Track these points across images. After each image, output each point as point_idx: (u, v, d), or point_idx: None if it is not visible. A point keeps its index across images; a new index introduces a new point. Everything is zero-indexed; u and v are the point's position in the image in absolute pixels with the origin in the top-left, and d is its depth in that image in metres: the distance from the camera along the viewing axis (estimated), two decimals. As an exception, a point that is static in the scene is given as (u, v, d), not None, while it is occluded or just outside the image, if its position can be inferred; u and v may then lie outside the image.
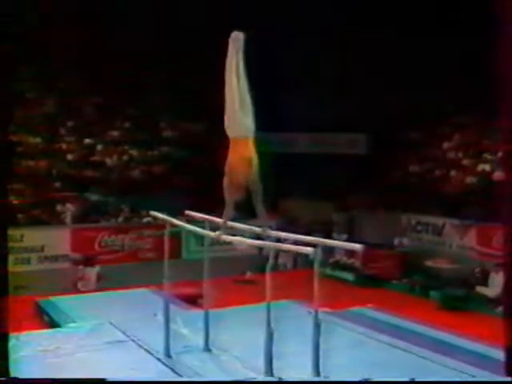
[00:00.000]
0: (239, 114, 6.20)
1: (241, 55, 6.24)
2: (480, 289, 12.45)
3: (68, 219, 15.01)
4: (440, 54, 16.35)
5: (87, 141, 17.05)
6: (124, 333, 8.82)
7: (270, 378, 6.07)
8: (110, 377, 4.49)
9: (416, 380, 4.55)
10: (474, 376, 7.18)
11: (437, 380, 5.14)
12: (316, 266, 5.80)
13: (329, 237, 13.30)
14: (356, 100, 17.00)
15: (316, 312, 5.90)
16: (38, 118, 16.84)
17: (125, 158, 17.20)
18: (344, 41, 17.00)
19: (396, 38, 16.48)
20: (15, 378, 4.07)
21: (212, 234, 6.90)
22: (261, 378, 6.11)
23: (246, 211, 6.63)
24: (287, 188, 15.80)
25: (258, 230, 6.66)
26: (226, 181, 6.22)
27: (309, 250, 5.81)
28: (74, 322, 9.65)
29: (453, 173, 15.87)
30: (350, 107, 16.92)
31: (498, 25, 4.13)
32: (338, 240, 12.28)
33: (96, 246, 14.58)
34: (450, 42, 16.00)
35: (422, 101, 16.80)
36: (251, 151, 6.24)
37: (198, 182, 16.38)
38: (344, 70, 17.06)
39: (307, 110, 17.50)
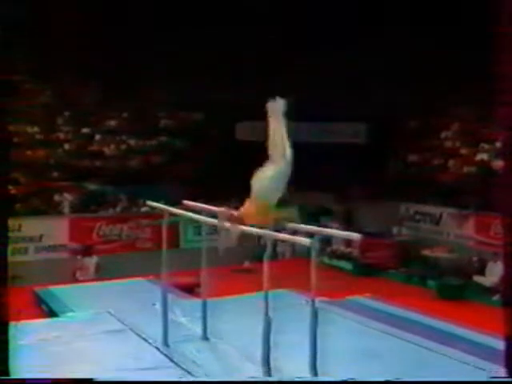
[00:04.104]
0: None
1: (281, 121, 6.05)
2: (477, 278, 12.49)
3: (66, 209, 15.01)
4: (439, 43, 16.30)
5: (85, 130, 17.03)
6: (122, 322, 8.84)
7: (270, 378, 6.10)
8: (103, 374, 4.49)
9: (403, 380, 4.56)
10: (472, 365, 7.23)
11: (425, 380, 5.14)
12: (313, 256, 5.81)
13: (327, 226, 13.30)
14: (356, 89, 16.96)
15: (313, 301, 5.92)
16: (36, 108, 16.81)
17: (123, 147, 17.19)
18: (346, 31, 16.95)
19: (396, 27, 16.45)
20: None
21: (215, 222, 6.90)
22: (261, 377, 6.11)
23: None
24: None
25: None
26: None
27: (306, 240, 5.82)
28: (72, 311, 9.67)
29: (451, 162, 15.89)
30: (351, 97, 16.89)
31: (496, 14, 4.12)
32: (336, 229, 12.29)
33: (94, 236, 14.59)
34: (448, 32, 15.95)
35: (421, 90, 16.77)
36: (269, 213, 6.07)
37: (196, 171, 16.40)
38: (345, 59, 17.01)
39: (307, 99, 17.47)
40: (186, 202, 8.24)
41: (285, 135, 6.01)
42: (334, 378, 5.77)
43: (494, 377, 4.25)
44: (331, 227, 13.63)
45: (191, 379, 6.21)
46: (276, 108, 6.10)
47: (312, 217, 14.95)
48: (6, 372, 4.09)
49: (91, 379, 4.27)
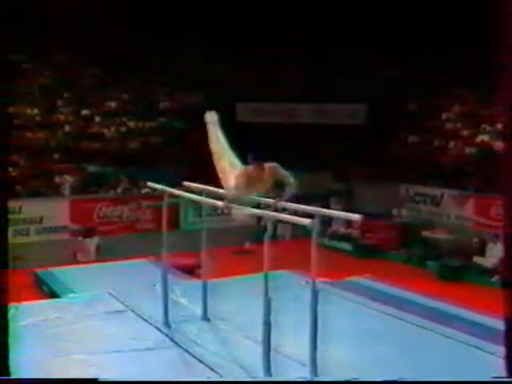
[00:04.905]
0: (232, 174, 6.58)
1: (218, 127, 7.06)
2: (477, 259, 12.52)
3: (66, 190, 15.01)
4: (439, 25, 16.22)
5: (85, 112, 16.99)
6: (123, 303, 8.88)
7: (270, 378, 6.14)
8: (104, 376, 4.50)
9: (405, 380, 4.59)
10: (471, 345, 7.28)
11: (426, 380, 5.17)
12: (314, 237, 5.81)
13: (327, 207, 13.30)
14: (356, 71, 16.90)
15: (313, 282, 5.94)
16: (36, 89, 16.75)
17: (123, 129, 17.15)
18: (343, 11, 16.88)
19: (396, 9, 16.36)
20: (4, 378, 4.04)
21: (220, 203, 6.91)
22: (261, 377, 6.15)
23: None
24: (287, 158, 15.76)
25: (271, 201, 6.71)
26: (238, 185, 6.39)
27: (306, 220, 5.82)
28: (73, 292, 9.70)
29: (451, 143, 15.86)
30: (351, 78, 16.84)
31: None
32: (336, 210, 12.29)
33: (95, 217, 14.60)
34: (449, 12, 15.87)
35: (421, 71, 16.72)
36: None
37: (196, 152, 16.35)
38: (345, 41, 16.94)
39: (307, 80, 17.44)
40: (186, 183, 8.24)
41: (223, 141, 6.94)
42: (334, 377, 5.82)
43: (494, 377, 4.25)
44: (333, 208, 13.65)
45: (194, 379, 6.22)
46: (212, 119, 7.06)
47: (321, 199, 15.01)
48: (6, 361, 4.07)
49: (95, 379, 4.23)
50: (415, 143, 16.74)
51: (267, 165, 6.49)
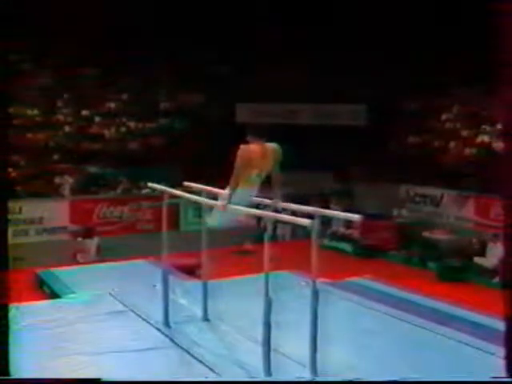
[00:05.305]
0: None
1: None
2: (477, 259, 12.51)
3: (66, 191, 15.02)
4: (440, 24, 16.21)
5: (85, 113, 16.99)
6: (123, 303, 8.87)
7: (270, 378, 6.14)
8: (106, 376, 4.50)
9: (406, 380, 4.59)
10: (471, 346, 7.27)
11: (427, 380, 5.18)
12: (313, 237, 5.81)
13: (327, 208, 13.30)
14: (356, 71, 16.90)
15: (314, 282, 5.94)
16: (36, 90, 16.75)
17: (123, 129, 17.16)
18: (343, 11, 16.88)
19: (396, 8, 16.34)
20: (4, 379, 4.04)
21: (218, 203, 6.90)
22: (261, 377, 6.15)
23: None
24: (287, 159, 15.74)
25: (269, 202, 6.72)
26: (241, 163, 6.35)
27: (306, 221, 5.82)
28: (73, 292, 9.70)
29: (452, 144, 15.86)
30: (351, 78, 16.83)
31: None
32: (336, 211, 12.28)
33: (95, 218, 14.61)
34: (450, 13, 15.86)
35: (421, 71, 16.71)
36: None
37: (196, 153, 16.37)
38: (344, 40, 16.93)
39: (307, 80, 17.43)
40: (186, 183, 8.24)
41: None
42: (334, 377, 5.82)
43: (494, 377, 4.25)
44: (333, 209, 13.65)
45: (194, 379, 6.21)
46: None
47: (321, 199, 15.01)
48: (6, 361, 4.08)
49: (98, 379, 4.23)
50: (415, 143, 16.74)
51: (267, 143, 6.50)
